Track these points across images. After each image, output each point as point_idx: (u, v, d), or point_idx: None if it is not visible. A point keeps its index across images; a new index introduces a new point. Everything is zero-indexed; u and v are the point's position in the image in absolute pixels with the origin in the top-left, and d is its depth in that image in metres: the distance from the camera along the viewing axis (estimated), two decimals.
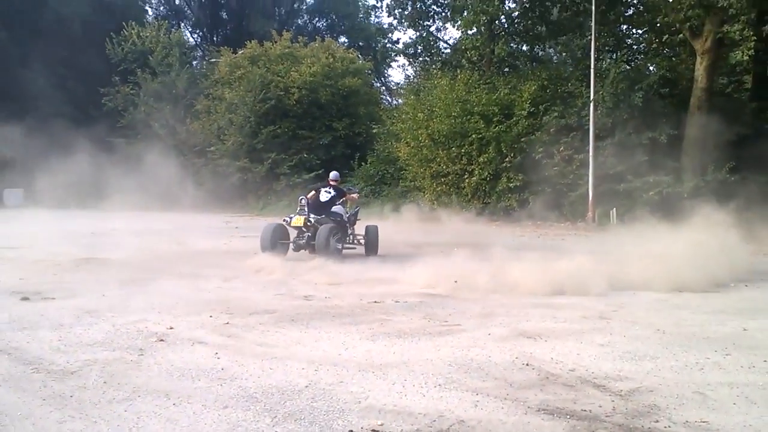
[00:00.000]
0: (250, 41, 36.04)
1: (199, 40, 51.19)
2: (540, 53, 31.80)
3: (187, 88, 37.57)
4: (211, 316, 6.12)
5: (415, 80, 34.60)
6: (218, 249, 13.25)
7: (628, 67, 23.98)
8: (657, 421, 3.40)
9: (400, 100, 35.98)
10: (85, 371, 4.29)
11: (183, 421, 3.39)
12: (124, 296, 7.23)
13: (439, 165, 24.65)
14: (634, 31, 26.65)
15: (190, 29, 51.17)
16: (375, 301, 7.02)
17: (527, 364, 4.47)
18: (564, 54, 30.84)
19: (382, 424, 3.31)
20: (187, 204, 28.46)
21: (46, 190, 30.89)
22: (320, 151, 32.47)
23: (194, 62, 44.06)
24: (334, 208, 11.61)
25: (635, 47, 27.29)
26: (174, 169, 29.05)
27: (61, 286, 7.97)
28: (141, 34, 39.17)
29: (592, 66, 21.29)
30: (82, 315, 6.14)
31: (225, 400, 3.73)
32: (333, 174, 12.63)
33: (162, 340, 5.15)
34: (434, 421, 3.37)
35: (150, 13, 48.72)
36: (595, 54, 21.57)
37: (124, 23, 39.25)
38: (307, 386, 3.98)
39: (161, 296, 7.27)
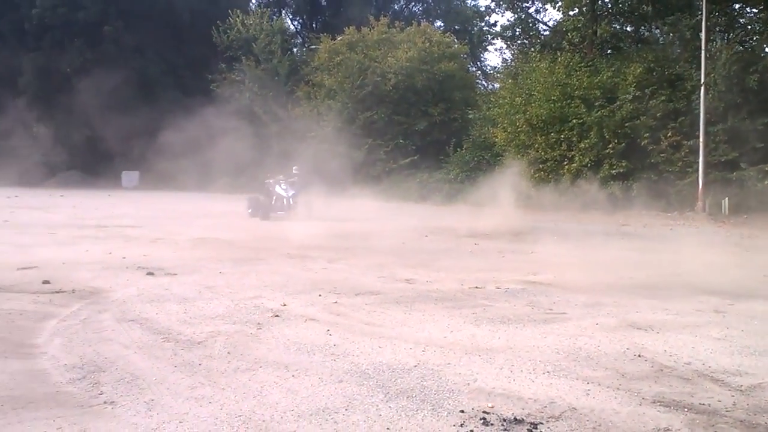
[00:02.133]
0: (348, 27, 36.51)
1: (299, 27, 52.41)
2: (645, 34, 30.27)
3: (288, 74, 38.64)
4: (320, 295, 6.39)
5: (513, 64, 33.85)
6: (320, 232, 13.66)
7: (741, 48, 22.45)
8: None
9: (496, 85, 35.40)
10: (210, 342, 4.63)
11: (302, 392, 3.60)
12: (239, 274, 7.66)
13: (537, 151, 24.13)
14: (748, 9, 24.85)
15: (290, 16, 52.43)
16: (476, 287, 7.07)
17: (639, 355, 4.40)
18: (672, 35, 29.15)
19: (492, 407, 3.38)
20: None
21: (160, 173, 32.83)
22: (415, 137, 32.54)
23: (295, 49, 45.14)
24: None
25: (749, 27, 25.46)
26: (277, 154, 30.01)
27: (181, 263, 8.53)
28: (245, 22, 40.51)
29: (702, 47, 20.13)
30: (202, 290, 6.58)
31: (339, 374, 3.92)
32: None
33: (277, 316, 5.44)
34: (545, 406, 3.41)
35: (253, 1, 50.29)
36: (705, 34, 20.38)
37: (229, 11, 40.70)
38: (416, 366, 4.11)
39: (272, 275, 7.65)
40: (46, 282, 6.75)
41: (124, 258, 8.84)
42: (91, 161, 40.38)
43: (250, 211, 17.61)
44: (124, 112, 36.14)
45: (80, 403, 3.38)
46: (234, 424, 3.12)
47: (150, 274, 7.54)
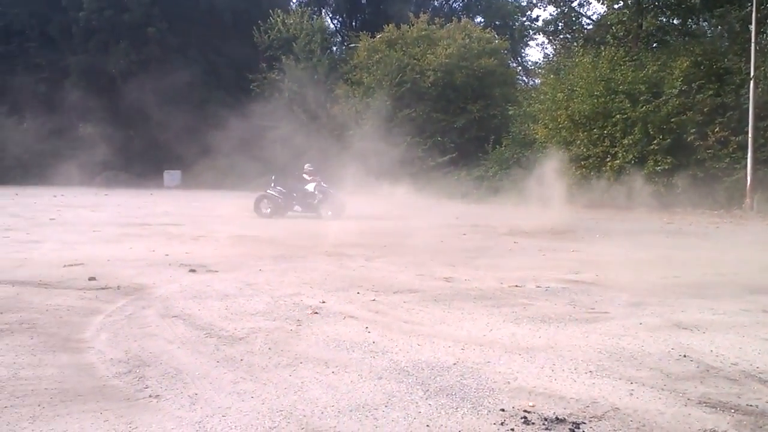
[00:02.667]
0: (388, 25, 36.54)
1: (339, 25, 52.67)
2: (693, 27, 29.50)
3: (327, 73, 38.86)
4: (358, 293, 6.41)
5: (555, 59, 33.39)
6: (358, 230, 13.71)
7: None
8: None
9: (537, 80, 34.98)
10: (251, 338, 4.69)
11: (342, 388, 3.62)
12: (278, 271, 7.74)
13: (579, 147, 23.74)
14: None
15: (330, 15, 52.73)
16: (516, 285, 7.00)
17: (684, 356, 4.29)
18: (720, 27, 28.38)
19: (533, 406, 3.35)
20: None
21: (202, 172, 33.40)
22: (454, 134, 32.38)
23: (334, 47, 45.38)
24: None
25: None
26: (315, 151, 30.23)
27: (222, 260, 8.67)
28: (286, 21, 40.88)
29: (752, 40, 19.51)
30: (243, 287, 6.68)
31: (378, 371, 3.93)
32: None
33: (316, 313, 5.48)
34: (587, 406, 3.35)
35: (294, 0, 50.74)
36: (756, 26, 19.74)
37: (270, 11, 41.12)
38: (455, 364, 4.09)
39: (311, 272, 7.71)
40: (92, 279, 6.93)
41: (166, 255, 9.02)
42: (134, 161, 41.31)
43: (268, 210, 16.79)
44: (167, 112, 36.85)
45: (126, 397, 3.46)
46: (275, 419, 3.16)
47: (192, 271, 7.68)
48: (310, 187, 16.99)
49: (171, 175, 41.24)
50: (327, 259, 8.91)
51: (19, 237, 11.14)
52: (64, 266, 7.81)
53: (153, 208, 20.77)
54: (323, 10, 51.80)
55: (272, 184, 17.41)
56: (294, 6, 46.89)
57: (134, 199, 25.96)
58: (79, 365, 4.02)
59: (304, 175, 17.34)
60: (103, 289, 6.45)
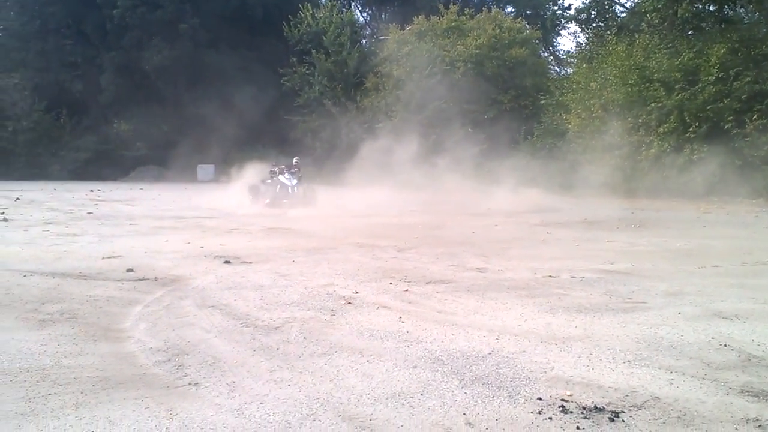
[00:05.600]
0: (417, 17, 36.38)
1: (368, 18, 52.63)
2: (729, 13, 28.73)
3: (357, 66, 38.91)
4: (390, 283, 6.41)
5: (587, 47, 32.89)
6: (388, 222, 13.72)
7: None
8: None
9: (569, 70, 34.52)
10: (287, 327, 4.73)
11: (377, 377, 3.63)
12: (311, 263, 7.79)
13: (613, 137, 23.37)
14: None
15: (360, 8, 52.71)
16: (550, 276, 6.93)
17: (725, 345, 4.21)
18: (758, 13, 27.61)
19: (571, 395, 3.31)
20: (354, 179, 29.53)
21: (235, 165, 33.61)
22: (485, 125, 32.15)
23: (364, 41, 45.37)
24: None
25: None
26: (344, 146, 30.29)
27: (256, 252, 8.76)
28: (315, 15, 41.00)
29: None
30: (277, 278, 6.74)
31: (413, 360, 3.93)
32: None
33: (350, 303, 5.51)
34: (627, 395, 3.31)
35: None
36: None
37: (300, 5, 41.29)
38: (490, 353, 4.07)
39: (343, 263, 7.74)
40: (129, 270, 7.05)
41: (201, 247, 9.15)
42: (168, 155, 42.06)
43: (250, 198, 17.91)
44: (200, 107, 37.35)
45: (166, 384, 3.52)
46: (313, 406, 3.18)
47: (227, 262, 7.77)
48: (285, 179, 17.75)
49: (204, 170, 41.80)
50: (359, 251, 8.94)
51: (58, 230, 11.40)
52: (103, 258, 7.97)
53: (187, 201, 21.08)
54: (353, 3, 51.78)
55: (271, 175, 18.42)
56: (324, 0, 46.99)
57: (168, 193, 26.39)
58: (119, 354, 4.10)
59: (279, 168, 18.40)
60: (140, 280, 6.57)
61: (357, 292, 5.96)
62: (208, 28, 42.33)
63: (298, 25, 40.96)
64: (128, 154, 43.74)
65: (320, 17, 40.81)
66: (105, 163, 42.09)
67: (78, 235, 10.77)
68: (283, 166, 18.56)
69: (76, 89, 44.23)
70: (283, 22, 41.18)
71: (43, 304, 5.45)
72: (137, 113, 42.71)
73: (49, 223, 12.69)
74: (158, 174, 42.49)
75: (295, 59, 40.81)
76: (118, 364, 3.89)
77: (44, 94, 42.88)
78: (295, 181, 17.76)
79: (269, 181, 18.28)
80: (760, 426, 2.94)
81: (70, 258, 8.05)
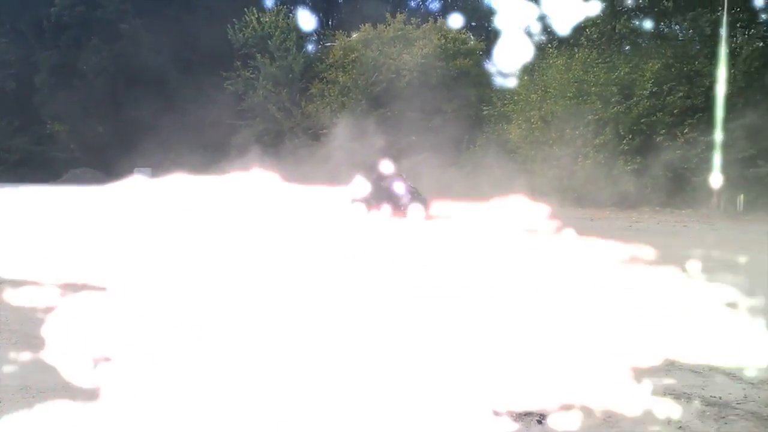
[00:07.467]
0: (364, 24, 36.40)
1: (315, 24, 52.31)
2: (665, 30, 29.82)
3: (302, 71, 38.59)
4: None
5: (529, 60, 33.54)
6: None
7: (762, 45, 22.07)
8: None
9: (512, 81, 35.10)
10: None
11: None
12: None
13: (552, 147, 23.85)
14: None
15: (307, 13, 52.33)
16: None
17: None
18: (692, 31, 28.76)
19: None
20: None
21: (172, 169, 32.84)
22: (429, 134, 32.30)
23: (310, 46, 45.09)
24: None
25: None
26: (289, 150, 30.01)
27: None
28: (261, 19, 40.51)
29: (723, 43, 19.78)
30: None
31: None
32: None
33: None
34: None
35: None
36: (727, 30, 20.01)
37: (245, 9, 40.68)
38: None
39: None
40: None
41: None
42: (103, 158, 40.66)
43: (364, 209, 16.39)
44: (138, 109, 36.39)
45: None
46: None
47: None
48: (399, 187, 16.78)
49: (141, 173, 40.58)
50: None
51: None
52: None
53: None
54: (299, 9, 51.48)
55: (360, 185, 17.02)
56: (270, 4, 46.54)
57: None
58: None
59: (387, 175, 17.25)
60: None
61: None
62: (149, 29, 41.29)
63: (243, 29, 40.39)
64: (61, 155, 42.18)
65: (266, 21, 40.36)
66: (36, 165, 40.47)
67: None
68: (387, 175, 17.33)
69: (9, 88, 42.51)
70: (228, 26, 40.53)
71: None
72: (72, 114, 41.24)
73: None
74: (92, 177, 40.97)
75: (239, 63, 40.16)
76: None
77: None
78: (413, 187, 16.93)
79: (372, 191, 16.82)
80: None
81: None
